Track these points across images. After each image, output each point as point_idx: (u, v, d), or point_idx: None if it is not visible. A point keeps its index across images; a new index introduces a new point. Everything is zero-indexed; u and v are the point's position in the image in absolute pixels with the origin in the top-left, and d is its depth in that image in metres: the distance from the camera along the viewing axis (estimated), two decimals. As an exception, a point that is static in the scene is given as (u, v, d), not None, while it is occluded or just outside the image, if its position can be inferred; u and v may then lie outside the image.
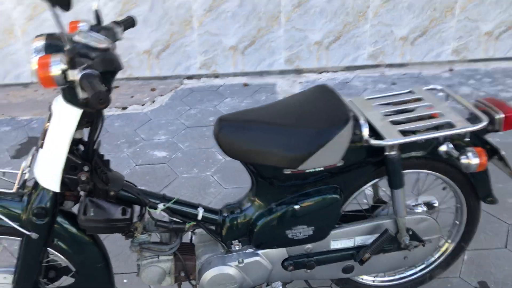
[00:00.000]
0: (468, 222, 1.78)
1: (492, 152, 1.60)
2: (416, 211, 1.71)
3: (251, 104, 3.48)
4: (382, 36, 3.93)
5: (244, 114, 1.47)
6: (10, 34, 3.84)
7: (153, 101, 3.69)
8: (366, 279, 1.87)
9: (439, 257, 1.86)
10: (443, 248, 1.85)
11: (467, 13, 3.85)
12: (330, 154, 1.41)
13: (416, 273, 1.89)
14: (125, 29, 1.54)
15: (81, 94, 1.18)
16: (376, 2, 3.80)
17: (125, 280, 2.06)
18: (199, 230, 1.69)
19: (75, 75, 1.13)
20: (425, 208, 1.72)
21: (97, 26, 1.40)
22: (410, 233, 1.66)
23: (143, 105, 3.63)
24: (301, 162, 1.40)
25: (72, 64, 1.13)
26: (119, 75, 3.68)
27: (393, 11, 3.83)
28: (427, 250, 1.71)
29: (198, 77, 4.05)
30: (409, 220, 1.64)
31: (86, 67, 1.14)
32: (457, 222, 1.81)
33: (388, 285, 1.89)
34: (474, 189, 1.69)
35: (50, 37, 1.22)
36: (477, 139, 1.58)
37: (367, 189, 1.65)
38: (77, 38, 1.21)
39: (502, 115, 1.54)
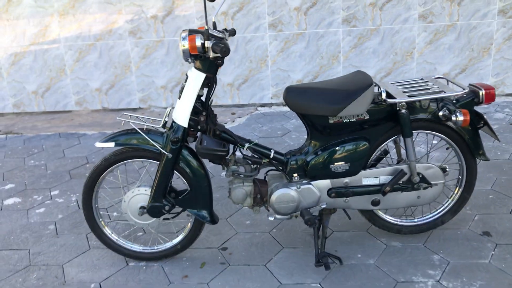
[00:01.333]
0: (468, 176, 2.41)
1: (479, 117, 2.28)
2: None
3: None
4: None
5: (302, 84, 2.26)
6: (127, 69, 4.97)
7: (233, 121, 4.57)
8: (392, 219, 2.51)
9: (447, 205, 2.49)
10: (452, 196, 2.48)
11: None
12: (359, 107, 2.16)
13: (430, 217, 2.51)
14: (229, 35, 2.41)
15: (212, 54, 2.04)
16: (346, 48, 4.55)
17: (214, 222, 2.82)
18: (271, 172, 2.46)
19: (209, 44, 2.00)
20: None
21: (215, 29, 2.29)
22: (421, 176, 2.32)
23: (225, 123, 4.52)
24: (339, 111, 2.16)
25: (207, 39, 2.01)
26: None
27: (360, 55, 4.56)
28: (435, 192, 2.36)
29: (270, 105, 4.92)
30: (419, 166, 2.32)
31: (215, 41, 2.02)
32: (460, 177, 2.44)
33: (409, 225, 2.51)
34: (470, 148, 2.34)
35: (190, 30, 2.12)
36: (468, 108, 2.26)
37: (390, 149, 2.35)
38: (208, 30, 2.09)
39: (483, 91, 2.23)
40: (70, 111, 5.19)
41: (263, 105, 4.94)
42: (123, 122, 2.28)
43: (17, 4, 4.85)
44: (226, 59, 4.79)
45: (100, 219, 2.45)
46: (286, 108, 4.82)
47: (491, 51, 4.52)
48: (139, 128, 2.27)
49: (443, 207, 2.51)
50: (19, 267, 2.53)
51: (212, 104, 4.97)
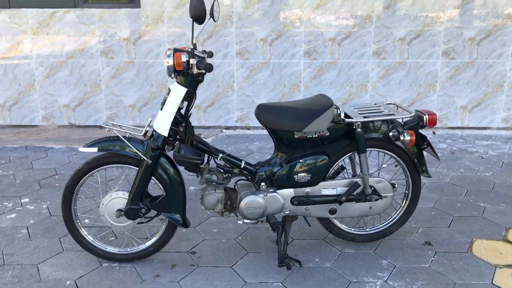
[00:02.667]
0: (413, 190, 2.74)
1: (423, 139, 2.63)
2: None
3: (273, 147, 4.56)
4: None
5: (272, 103, 2.55)
6: (96, 88, 5.13)
7: (199, 141, 4.80)
8: (347, 228, 2.80)
9: (395, 216, 2.80)
10: (399, 209, 2.80)
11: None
12: (320, 124, 2.46)
13: (380, 227, 2.81)
14: (208, 56, 2.68)
15: (195, 71, 2.30)
16: (306, 79, 4.99)
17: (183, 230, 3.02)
18: (240, 181, 2.71)
19: (193, 61, 2.26)
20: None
21: (195, 49, 2.55)
22: (373, 188, 2.63)
23: (191, 143, 4.74)
24: (304, 127, 2.45)
25: (192, 57, 2.27)
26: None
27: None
28: (385, 204, 2.67)
29: (234, 128, 5.19)
30: (371, 180, 2.63)
31: (198, 59, 2.28)
32: (406, 191, 2.77)
33: (361, 234, 2.80)
34: (415, 166, 2.68)
35: (175, 49, 2.37)
36: (413, 130, 2.60)
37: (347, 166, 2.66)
38: (193, 49, 2.35)
39: (427, 116, 2.59)
40: (36, 125, 5.27)
41: (228, 128, 5.20)
42: (107, 129, 2.47)
43: (-10, 18, 4.96)
44: (194, 82, 5.04)
45: (78, 221, 2.60)
46: (250, 132, 5.10)
47: (436, 87, 5.01)
48: (121, 136, 2.47)
49: (392, 218, 2.82)
50: (-7, 266, 2.62)
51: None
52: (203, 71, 2.27)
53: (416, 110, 2.69)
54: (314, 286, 2.43)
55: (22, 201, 3.43)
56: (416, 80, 4.99)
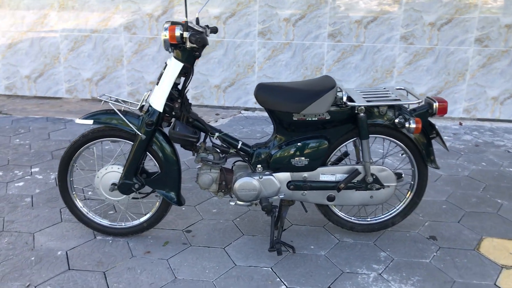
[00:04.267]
0: (419, 181, 2.60)
1: (431, 127, 2.48)
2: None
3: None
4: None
5: (272, 83, 2.45)
6: (118, 62, 5.15)
7: (216, 121, 4.76)
8: (346, 216, 2.69)
9: (399, 208, 2.67)
10: (403, 200, 2.66)
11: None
12: (320, 106, 2.34)
13: (381, 218, 2.69)
14: (211, 32, 2.60)
15: (188, 45, 2.23)
16: (330, 62, 4.78)
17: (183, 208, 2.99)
18: (238, 163, 2.64)
19: (186, 35, 2.19)
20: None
21: (198, 24, 2.47)
22: (374, 177, 2.51)
23: (208, 122, 4.69)
24: (302, 109, 2.34)
25: (185, 30, 2.20)
26: (193, 101, 4.84)
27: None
28: (387, 194, 2.54)
29: (253, 109, 5.11)
30: (373, 168, 2.50)
31: (192, 32, 2.20)
32: (412, 182, 2.63)
33: (361, 223, 2.69)
34: (422, 155, 2.53)
35: (172, 22, 2.30)
36: (422, 117, 2.45)
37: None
38: (188, 23, 2.28)
39: (437, 103, 2.43)
40: (60, 98, 5.35)
41: (246, 109, 5.13)
42: (102, 102, 2.45)
43: (19, -10, 5.03)
44: (215, 61, 4.99)
45: (74, 192, 2.61)
46: (268, 114, 5.01)
47: (466, 76, 4.76)
48: (117, 109, 2.44)
49: (395, 209, 2.69)
50: (-7, 232, 2.67)
51: (198, 104, 5.19)
52: (196, 45, 2.19)
53: (426, 97, 2.53)
54: (304, 274, 2.35)
55: (32, 170, 3.49)
56: (445, 67, 4.75)
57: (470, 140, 4.31)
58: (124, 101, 2.51)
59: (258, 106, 5.11)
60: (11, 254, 2.46)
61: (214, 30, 2.58)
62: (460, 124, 4.77)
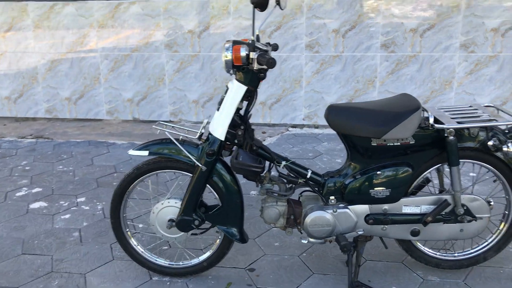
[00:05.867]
0: (515, 212, 2.27)
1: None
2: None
3: (343, 148, 4.17)
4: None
5: (346, 103, 2.18)
6: (160, 81, 4.97)
7: (264, 140, 4.50)
8: (431, 251, 2.37)
9: (491, 241, 2.34)
10: (496, 232, 2.33)
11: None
12: (404, 130, 2.05)
13: (472, 253, 2.37)
14: (272, 50, 2.35)
15: (256, 66, 1.98)
16: (383, 74, 4.44)
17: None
18: (305, 193, 2.37)
19: (254, 55, 1.95)
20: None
21: (259, 41, 2.23)
22: (465, 208, 2.19)
23: (255, 142, 4.45)
24: (384, 133, 2.06)
25: (252, 50, 1.95)
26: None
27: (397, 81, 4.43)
28: (479, 227, 2.22)
29: (301, 126, 4.84)
30: (464, 197, 2.19)
31: (260, 52, 1.96)
32: (506, 212, 2.30)
33: (448, 259, 2.37)
34: (519, 182, 2.21)
35: (234, 41, 2.06)
36: (520, 140, 2.14)
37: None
38: (253, 41, 2.04)
39: (539, 123, 2.11)
40: (101, 119, 5.21)
41: (294, 126, 4.86)
42: (158, 130, 2.22)
43: (58, 12, 4.93)
44: (260, 77, 4.74)
45: (127, 229, 2.39)
46: (318, 131, 4.73)
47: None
48: (174, 138, 2.21)
49: (487, 243, 2.36)
50: (41, 272, 2.47)
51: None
52: (265, 66, 1.94)
53: (522, 115, 2.21)
54: (390, 322, 2.06)
55: (78, 200, 3.31)
56: (511, 76, 4.37)
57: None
58: (181, 128, 2.28)
59: (306, 122, 4.83)
60: (62, 300, 2.25)
61: (275, 48, 2.34)
62: None
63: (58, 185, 3.57)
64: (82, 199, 3.32)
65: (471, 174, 3.48)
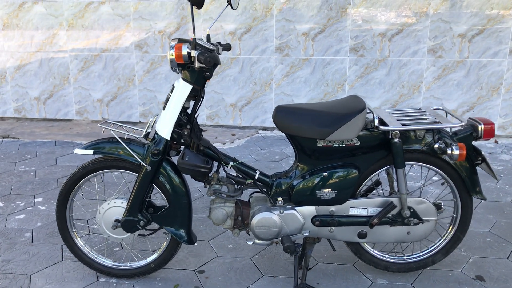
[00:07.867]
0: (462, 214, 2.27)
1: (476, 153, 2.16)
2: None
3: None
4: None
5: (293, 104, 2.17)
6: (130, 82, 4.93)
7: (232, 142, 4.48)
8: (380, 254, 2.37)
9: (439, 244, 2.34)
10: (444, 235, 2.33)
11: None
12: (349, 131, 2.05)
13: (421, 256, 2.36)
14: (223, 50, 2.33)
15: (197, 65, 1.96)
16: (352, 77, 4.46)
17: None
18: (255, 194, 2.35)
19: (195, 54, 1.93)
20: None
21: (208, 41, 2.21)
22: (412, 210, 2.19)
23: (224, 144, 4.43)
24: (328, 134, 2.05)
25: (194, 48, 1.93)
26: (207, 121, 4.58)
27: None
28: (426, 229, 2.22)
29: (271, 129, 4.83)
30: (410, 200, 2.19)
31: (201, 51, 1.94)
32: (454, 215, 2.30)
33: (397, 262, 2.36)
34: (466, 185, 2.21)
35: (179, 39, 2.04)
36: (465, 142, 2.14)
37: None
38: (197, 40, 2.02)
39: (483, 125, 2.11)
40: (70, 120, 5.15)
41: (264, 129, 4.85)
42: (103, 129, 2.19)
43: (27, 10, 4.87)
44: (231, 79, 4.74)
45: (74, 230, 2.34)
46: (287, 133, 4.71)
47: (500, 90, 4.41)
48: (119, 137, 2.18)
49: (435, 246, 2.36)
50: (-14, 273, 2.42)
51: (213, 124, 4.93)
52: (203, 64, 1.92)
53: (469, 118, 2.21)
54: (333, 325, 2.04)
55: (36, 200, 3.25)
56: (477, 81, 4.41)
57: (508, 160, 3.94)
58: (127, 127, 2.25)
59: (276, 125, 4.82)
60: (3, 301, 2.20)
61: (227, 48, 2.32)
62: (496, 142, 4.41)
63: (17, 185, 3.51)
64: (40, 199, 3.27)
65: (417, 180, 3.49)
